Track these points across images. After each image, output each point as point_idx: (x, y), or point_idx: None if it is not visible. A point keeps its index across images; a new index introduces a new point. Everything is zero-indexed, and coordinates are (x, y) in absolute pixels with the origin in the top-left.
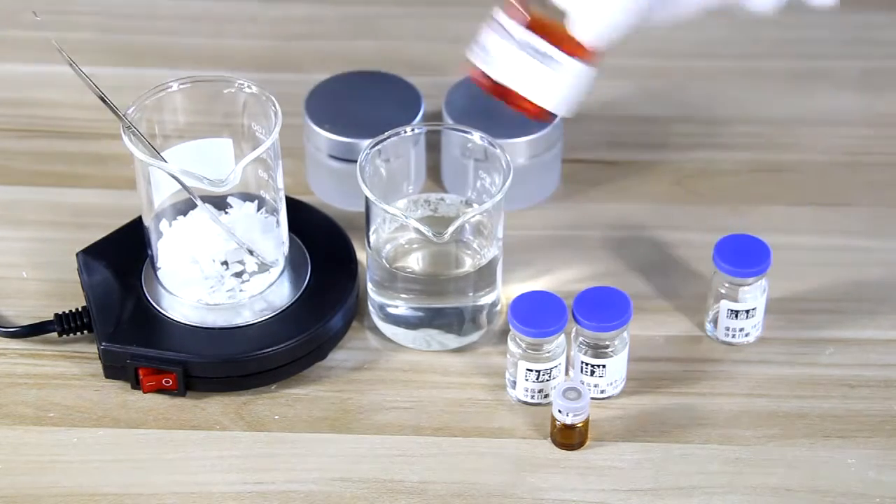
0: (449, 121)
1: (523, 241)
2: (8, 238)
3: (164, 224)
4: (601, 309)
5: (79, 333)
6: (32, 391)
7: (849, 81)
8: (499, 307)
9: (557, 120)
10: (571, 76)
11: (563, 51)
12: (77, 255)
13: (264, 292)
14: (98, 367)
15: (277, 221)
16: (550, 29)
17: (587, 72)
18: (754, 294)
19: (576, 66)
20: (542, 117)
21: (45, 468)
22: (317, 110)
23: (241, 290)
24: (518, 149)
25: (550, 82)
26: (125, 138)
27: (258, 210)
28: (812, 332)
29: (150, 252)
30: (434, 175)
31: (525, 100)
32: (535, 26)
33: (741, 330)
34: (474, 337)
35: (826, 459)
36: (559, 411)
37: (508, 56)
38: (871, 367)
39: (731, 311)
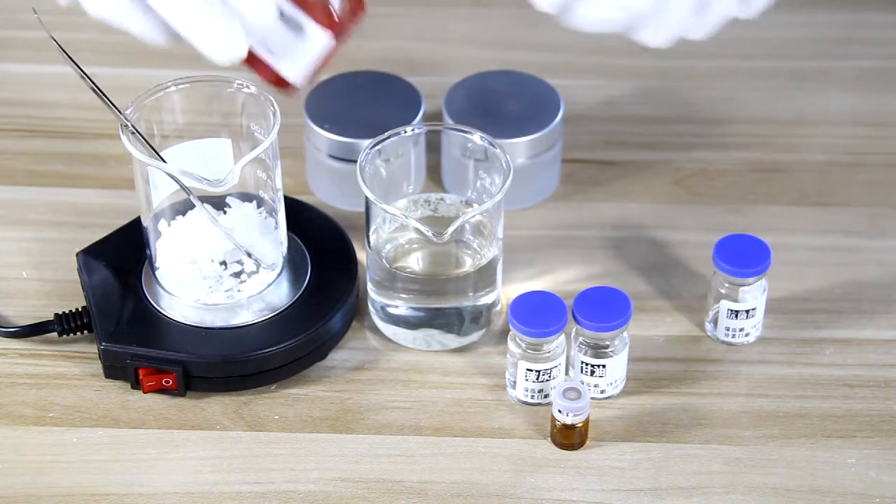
0: (449, 121)
1: (523, 241)
2: (8, 238)
3: (162, 224)
4: (601, 309)
5: (79, 333)
6: (32, 391)
7: (849, 81)
8: (499, 307)
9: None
10: (317, 48)
11: (314, 21)
12: (77, 255)
13: (263, 292)
14: (98, 367)
15: (276, 222)
16: None
17: (331, 46)
18: (754, 294)
19: (323, 39)
20: (281, 86)
21: (45, 468)
22: (317, 110)
23: (239, 291)
24: (518, 149)
25: (296, 52)
26: (124, 138)
27: (257, 210)
28: (812, 332)
29: (148, 252)
30: (434, 175)
31: (267, 67)
32: None
33: (741, 330)
34: (474, 337)
35: (826, 459)
36: (559, 411)
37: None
38: (871, 367)
39: (731, 311)
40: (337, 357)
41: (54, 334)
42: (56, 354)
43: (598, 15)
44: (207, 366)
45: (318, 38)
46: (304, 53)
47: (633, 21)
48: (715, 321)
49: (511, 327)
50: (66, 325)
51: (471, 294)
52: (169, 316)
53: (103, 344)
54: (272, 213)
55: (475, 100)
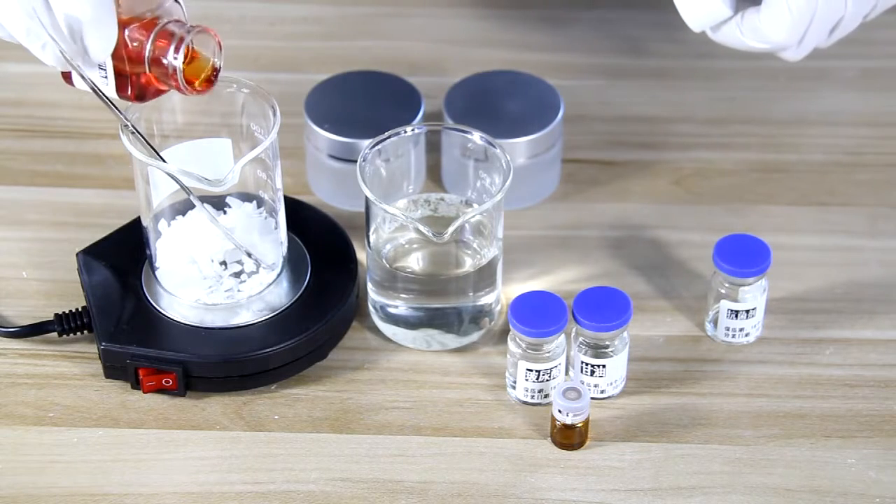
0: (449, 121)
1: (523, 241)
2: (8, 238)
3: (162, 224)
4: (601, 309)
5: (79, 333)
6: (32, 391)
7: (849, 81)
8: (499, 307)
9: (557, 121)
10: (105, 90)
11: (115, 71)
12: (77, 255)
13: (263, 292)
14: (98, 367)
15: (276, 222)
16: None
17: (116, 96)
18: (754, 294)
19: (111, 89)
20: (67, 80)
21: (45, 468)
22: (317, 110)
23: (239, 291)
24: (518, 149)
25: (94, 77)
26: (124, 138)
27: (257, 210)
28: (812, 332)
29: (148, 252)
30: (434, 175)
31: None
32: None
33: (741, 330)
34: (474, 337)
35: (826, 459)
36: (559, 411)
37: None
38: (871, 367)
39: (731, 311)
40: (337, 357)
41: (54, 334)
42: (56, 354)
43: (742, 42)
44: (207, 366)
45: (108, 87)
46: (99, 82)
47: (774, 49)
48: (715, 321)
49: (511, 327)
50: (66, 325)
51: (471, 294)
52: (169, 316)
53: (103, 344)
54: (272, 213)
55: (475, 100)
